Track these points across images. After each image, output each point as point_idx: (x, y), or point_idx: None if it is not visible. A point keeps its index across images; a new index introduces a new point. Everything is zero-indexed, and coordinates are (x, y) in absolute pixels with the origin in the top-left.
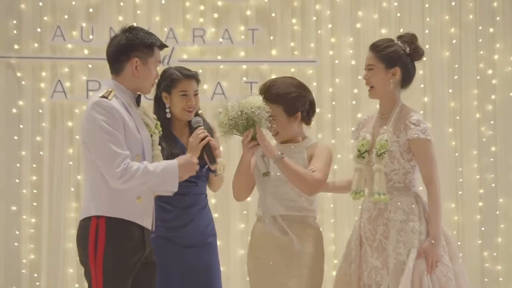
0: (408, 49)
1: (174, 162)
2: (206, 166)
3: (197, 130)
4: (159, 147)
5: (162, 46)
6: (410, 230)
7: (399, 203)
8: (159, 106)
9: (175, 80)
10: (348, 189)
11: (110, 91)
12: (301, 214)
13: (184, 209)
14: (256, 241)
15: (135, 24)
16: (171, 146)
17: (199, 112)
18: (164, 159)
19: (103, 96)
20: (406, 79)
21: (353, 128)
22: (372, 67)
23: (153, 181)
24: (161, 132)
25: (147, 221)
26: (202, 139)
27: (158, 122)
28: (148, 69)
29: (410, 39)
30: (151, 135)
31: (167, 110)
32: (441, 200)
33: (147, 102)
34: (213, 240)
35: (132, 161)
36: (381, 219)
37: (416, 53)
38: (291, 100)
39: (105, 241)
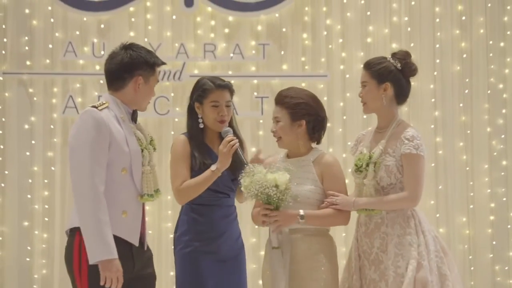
0: (399, 65)
1: (112, 252)
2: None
3: (226, 138)
4: (154, 165)
5: (162, 64)
6: (407, 244)
7: (395, 217)
8: (192, 116)
9: (206, 90)
10: None
11: (103, 103)
12: (316, 228)
13: (217, 220)
14: (267, 256)
15: (146, 40)
16: (204, 156)
17: (234, 124)
18: (196, 169)
19: (93, 106)
20: (400, 95)
21: (351, 143)
22: (365, 84)
23: (88, 231)
24: (155, 149)
25: (133, 236)
26: (232, 146)
27: (153, 139)
28: (150, 87)
29: (402, 56)
30: (142, 150)
31: (200, 120)
32: (397, 205)
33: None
34: (243, 253)
35: (116, 173)
36: (377, 233)
37: (408, 68)
38: (297, 105)
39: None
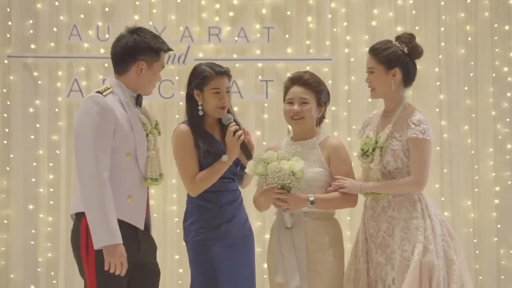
0: (406, 48)
1: (117, 237)
2: (238, 162)
3: (230, 128)
4: (158, 149)
5: (168, 50)
6: (414, 228)
7: (402, 201)
8: (191, 103)
9: (207, 77)
10: None
11: (108, 88)
12: (322, 211)
13: (225, 205)
14: (276, 237)
15: (150, 23)
16: (207, 144)
17: (231, 110)
18: (201, 158)
19: (98, 92)
20: (408, 78)
21: (358, 127)
22: (373, 69)
23: (94, 218)
24: (160, 133)
25: (139, 220)
26: (239, 136)
27: (158, 123)
28: (153, 73)
29: (407, 39)
30: (147, 135)
31: (200, 108)
32: (403, 190)
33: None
34: (252, 236)
35: (121, 158)
36: (384, 217)
37: (415, 51)
38: (322, 91)
39: None
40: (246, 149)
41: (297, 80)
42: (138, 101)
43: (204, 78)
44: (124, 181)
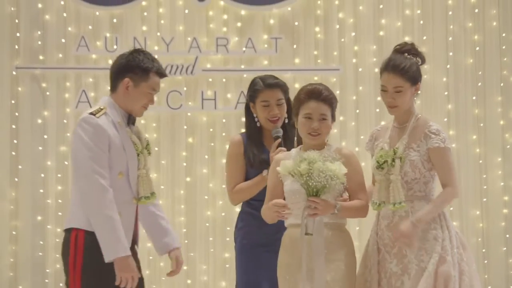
0: (420, 61)
1: (125, 249)
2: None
3: (274, 143)
4: (148, 168)
5: (161, 74)
6: (432, 238)
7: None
8: (248, 115)
9: (257, 91)
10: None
11: (101, 109)
12: (335, 221)
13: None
14: (289, 248)
15: (158, 34)
16: (259, 151)
17: (287, 122)
18: (254, 166)
19: (91, 113)
20: (419, 87)
21: (366, 139)
22: (400, 89)
23: (102, 234)
24: (150, 153)
25: (126, 237)
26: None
27: (149, 143)
28: (139, 92)
29: (416, 50)
30: (138, 155)
31: (256, 119)
32: (449, 200)
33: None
34: None
35: (113, 178)
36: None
37: (423, 60)
38: (335, 106)
39: (83, 255)
40: None
41: (317, 95)
42: (129, 120)
43: (255, 91)
44: (115, 199)
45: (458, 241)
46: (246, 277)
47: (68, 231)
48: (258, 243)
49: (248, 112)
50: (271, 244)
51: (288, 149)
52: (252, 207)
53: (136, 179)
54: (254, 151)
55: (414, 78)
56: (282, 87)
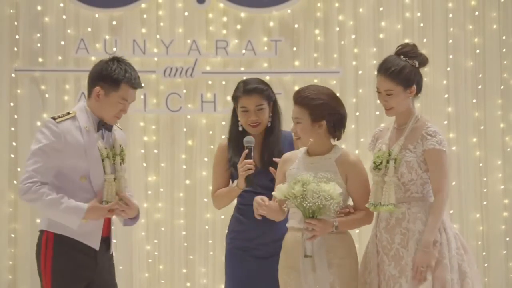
0: (417, 63)
1: (83, 206)
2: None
3: (243, 156)
4: (121, 176)
5: (133, 85)
6: None
7: (417, 213)
8: (232, 119)
9: (236, 97)
10: None
11: (69, 113)
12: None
13: (257, 221)
14: (290, 251)
15: (158, 37)
16: (237, 156)
17: (275, 126)
18: (229, 167)
19: (53, 117)
20: (419, 90)
21: (368, 140)
22: (391, 92)
23: (55, 216)
24: (124, 161)
25: (94, 241)
26: (247, 169)
27: (124, 150)
28: (109, 102)
29: (414, 52)
30: (103, 160)
31: (240, 123)
32: (443, 211)
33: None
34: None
35: (75, 180)
36: (398, 228)
37: (424, 62)
38: (318, 106)
39: (53, 257)
40: (250, 181)
41: (295, 98)
42: (104, 126)
43: (235, 97)
44: (77, 200)
45: (459, 242)
46: (231, 282)
47: (40, 232)
48: (241, 247)
49: (234, 115)
50: (254, 249)
51: (260, 156)
52: (239, 212)
53: (101, 184)
54: (233, 157)
55: (406, 81)
56: (262, 92)
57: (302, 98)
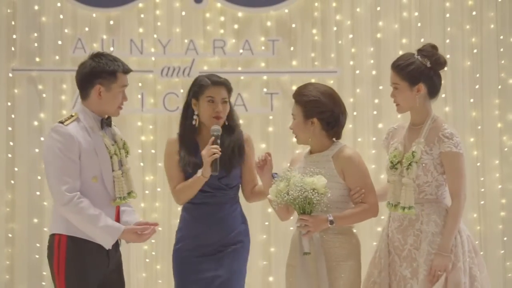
0: (428, 62)
1: (120, 227)
2: (223, 177)
3: (209, 144)
4: (128, 168)
5: (126, 71)
6: None
7: (431, 214)
8: (186, 113)
9: (203, 86)
10: (380, 197)
11: (72, 116)
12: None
13: (199, 218)
14: (292, 249)
15: (155, 36)
16: (191, 154)
17: (233, 122)
18: (182, 168)
19: (60, 122)
20: (433, 91)
21: (383, 137)
22: (396, 86)
23: (91, 232)
24: (128, 153)
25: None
26: (212, 153)
27: (126, 143)
28: (112, 95)
29: (430, 52)
30: (111, 157)
31: (195, 117)
32: (461, 214)
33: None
34: (241, 248)
35: (88, 182)
36: (412, 230)
37: (438, 64)
38: (308, 103)
39: (66, 259)
40: (215, 167)
41: (293, 95)
42: (103, 123)
43: (200, 86)
44: (92, 203)
45: (470, 245)
46: (176, 281)
47: (52, 236)
48: (186, 247)
49: (187, 111)
50: (195, 248)
51: (222, 155)
52: (185, 210)
53: (112, 181)
54: (182, 153)
55: (411, 77)
56: (227, 86)
57: (297, 95)
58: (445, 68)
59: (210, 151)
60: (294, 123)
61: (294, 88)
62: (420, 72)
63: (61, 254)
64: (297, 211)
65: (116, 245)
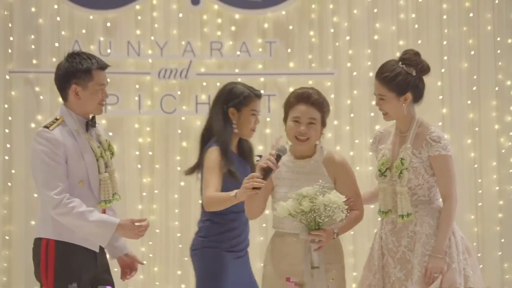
0: (414, 71)
1: (115, 220)
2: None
3: (259, 170)
4: (113, 170)
5: (102, 66)
6: None
7: (424, 216)
8: (225, 122)
9: (247, 98)
10: (371, 201)
11: (57, 119)
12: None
13: (244, 225)
14: (278, 254)
15: (152, 38)
16: (231, 163)
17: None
18: (237, 178)
19: (45, 126)
20: (418, 96)
21: (370, 140)
22: (383, 97)
23: (85, 229)
24: (114, 154)
25: (94, 244)
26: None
27: (111, 143)
28: (90, 93)
29: (414, 61)
30: (97, 160)
31: (234, 126)
32: (454, 216)
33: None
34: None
35: (75, 185)
36: (405, 231)
37: (423, 71)
38: (327, 110)
39: (55, 263)
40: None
41: (306, 98)
42: (90, 124)
43: (245, 98)
44: None
45: (463, 246)
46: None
47: (38, 240)
48: (222, 247)
49: (225, 119)
50: (234, 249)
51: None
52: (230, 218)
53: (98, 184)
54: (231, 166)
55: (398, 88)
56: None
57: (318, 102)
58: (442, 70)
59: (251, 184)
60: (315, 129)
61: (291, 89)
62: (407, 83)
63: (50, 258)
64: (311, 228)
65: (102, 248)
